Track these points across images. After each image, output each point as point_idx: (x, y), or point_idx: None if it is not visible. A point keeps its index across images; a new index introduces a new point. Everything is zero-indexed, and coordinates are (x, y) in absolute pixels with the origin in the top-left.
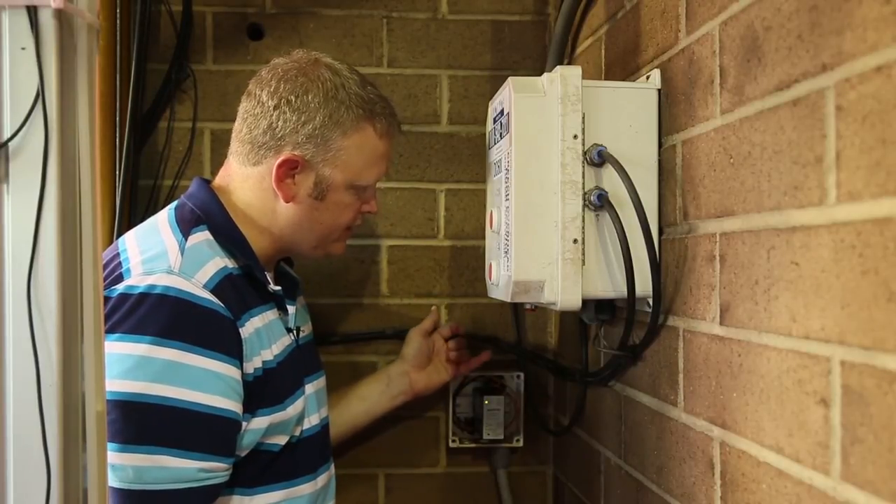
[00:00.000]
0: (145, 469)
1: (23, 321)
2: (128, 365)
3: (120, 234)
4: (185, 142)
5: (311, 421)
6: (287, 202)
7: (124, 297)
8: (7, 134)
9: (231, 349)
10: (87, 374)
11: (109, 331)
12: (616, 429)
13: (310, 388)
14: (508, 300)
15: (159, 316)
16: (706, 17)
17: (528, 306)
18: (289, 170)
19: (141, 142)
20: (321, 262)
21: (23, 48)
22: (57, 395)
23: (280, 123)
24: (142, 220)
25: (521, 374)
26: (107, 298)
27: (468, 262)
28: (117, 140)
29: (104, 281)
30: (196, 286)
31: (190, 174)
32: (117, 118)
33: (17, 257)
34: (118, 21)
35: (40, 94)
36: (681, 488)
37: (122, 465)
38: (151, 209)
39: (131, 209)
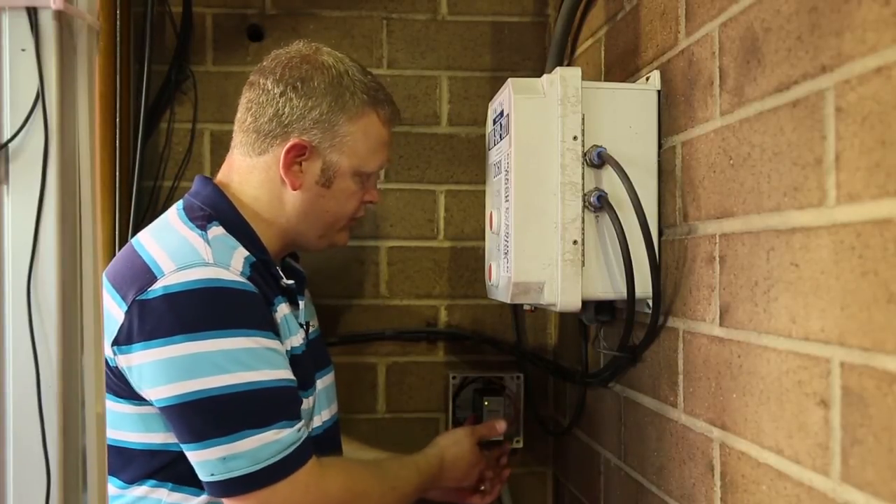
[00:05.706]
0: (261, 447)
1: (23, 321)
2: (214, 360)
3: (121, 235)
4: (185, 143)
5: (323, 417)
6: (294, 190)
7: (168, 297)
8: (7, 135)
9: (275, 329)
10: (87, 374)
11: (167, 334)
12: (616, 430)
13: (319, 384)
14: (508, 301)
15: (216, 308)
16: (706, 18)
17: (527, 307)
18: (296, 156)
19: (141, 142)
20: (321, 263)
21: (23, 49)
22: (57, 395)
23: (287, 110)
24: (142, 221)
25: (521, 375)
26: (144, 302)
27: (468, 264)
28: (117, 140)
29: (132, 285)
30: (235, 274)
31: (190, 175)
32: (117, 119)
33: (17, 258)
34: (118, 22)
35: (40, 96)
36: (681, 489)
37: (234, 455)
38: (151, 210)
39: (131, 210)
